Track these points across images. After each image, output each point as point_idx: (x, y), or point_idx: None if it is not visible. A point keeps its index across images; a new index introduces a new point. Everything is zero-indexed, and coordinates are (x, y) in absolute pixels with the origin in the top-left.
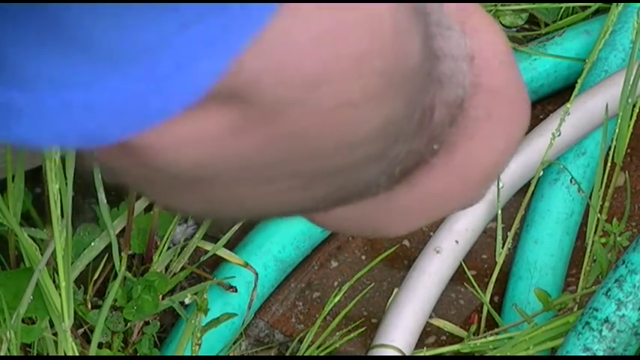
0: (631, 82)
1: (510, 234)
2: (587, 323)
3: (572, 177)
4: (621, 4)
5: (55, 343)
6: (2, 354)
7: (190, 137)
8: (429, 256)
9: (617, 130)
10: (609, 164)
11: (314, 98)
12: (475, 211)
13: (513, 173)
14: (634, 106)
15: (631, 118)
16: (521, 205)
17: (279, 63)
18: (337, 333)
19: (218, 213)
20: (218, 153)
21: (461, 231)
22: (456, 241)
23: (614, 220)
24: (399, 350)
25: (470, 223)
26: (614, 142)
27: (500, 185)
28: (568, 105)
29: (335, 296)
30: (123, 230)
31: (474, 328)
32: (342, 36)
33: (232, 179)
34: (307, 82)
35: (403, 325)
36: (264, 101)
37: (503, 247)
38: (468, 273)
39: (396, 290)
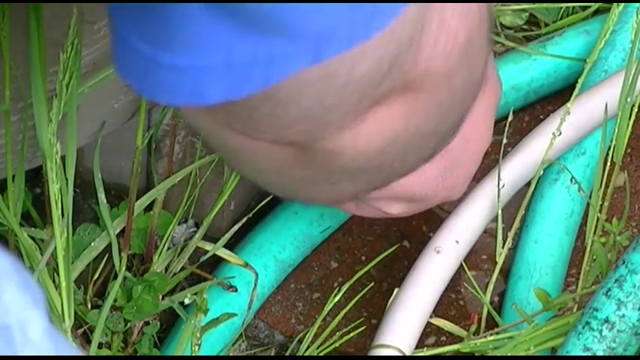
0: (630, 82)
1: (510, 234)
2: (588, 323)
3: (573, 177)
4: (621, 4)
5: None
6: None
7: (377, 131)
8: (429, 256)
9: (616, 130)
10: (609, 164)
11: (467, 55)
12: (475, 212)
13: (513, 173)
14: (633, 105)
15: (630, 118)
16: (521, 205)
17: (444, 44)
18: (337, 333)
19: (359, 192)
20: (392, 138)
21: (461, 231)
22: (456, 241)
23: (614, 219)
24: (400, 351)
25: (470, 224)
26: (613, 142)
27: (501, 185)
28: (569, 105)
29: (335, 297)
30: (123, 230)
31: (473, 327)
32: (472, 5)
33: (393, 160)
34: (462, 49)
35: (403, 325)
36: (433, 80)
37: (503, 247)
38: (468, 273)
39: (396, 290)
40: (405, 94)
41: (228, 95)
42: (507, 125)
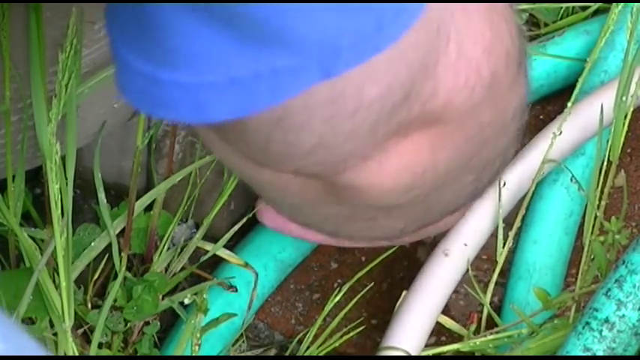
0: (625, 81)
1: (511, 234)
2: (588, 323)
3: (573, 176)
4: (621, 4)
5: (55, 343)
6: None
7: (403, 166)
8: (437, 258)
9: (612, 129)
10: (606, 164)
11: (492, 91)
12: (483, 214)
13: (521, 176)
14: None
15: (626, 117)
16: (521, 204)
17: (466, 78)
18: (337, 334)
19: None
20: (422, 173)
21: (469, 233)
22: (465, 244)
23: (613, 218)
24: (407, 352)
25: (478, 226)
26: (610, 142)
27: (503, 184)
28: (569, 104)
29: (335, 297)
30: (123, 230)
31: (473, 327)
32: (497, 41)
33: (427, 195)
34: (485, 84)
35: (412, 327)
36: (458, 114)
37: (504, 247)
38: (470, 273)
39: (404, 293)
40: (429, 128)
41: (235, 113)
42: None
